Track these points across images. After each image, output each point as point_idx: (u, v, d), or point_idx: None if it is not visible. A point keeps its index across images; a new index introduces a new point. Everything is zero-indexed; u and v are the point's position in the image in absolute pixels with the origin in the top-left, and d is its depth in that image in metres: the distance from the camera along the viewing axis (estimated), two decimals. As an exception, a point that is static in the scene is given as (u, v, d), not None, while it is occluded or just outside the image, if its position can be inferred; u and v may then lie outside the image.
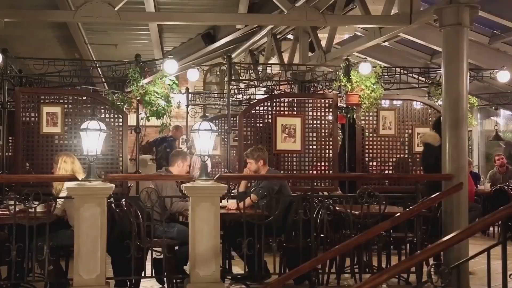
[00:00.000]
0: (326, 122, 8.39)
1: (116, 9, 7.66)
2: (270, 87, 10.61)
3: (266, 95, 10.30)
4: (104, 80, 9.09)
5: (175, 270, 5.96)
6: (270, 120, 8.23)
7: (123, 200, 6.03)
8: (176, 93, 8.39)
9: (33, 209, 5.22)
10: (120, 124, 7.81)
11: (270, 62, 12.48)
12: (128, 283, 5.81)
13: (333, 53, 10.84)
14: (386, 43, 11.99)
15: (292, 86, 10.00)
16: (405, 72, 9.29)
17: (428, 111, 8.70)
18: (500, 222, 4.06)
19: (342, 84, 8.10)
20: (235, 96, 11.14)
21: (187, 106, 11.74)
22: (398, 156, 8.54)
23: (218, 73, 15.14)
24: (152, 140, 13.08)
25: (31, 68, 8.22)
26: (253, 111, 8.34)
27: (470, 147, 13.55)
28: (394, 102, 8.74)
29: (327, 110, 8.38)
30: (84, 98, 7.90)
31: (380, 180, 8.20)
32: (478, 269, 6.33)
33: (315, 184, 7.50)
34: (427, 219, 6.39)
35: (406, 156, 8.59)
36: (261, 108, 8.32)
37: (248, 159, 6.63)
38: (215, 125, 6.97)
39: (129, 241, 5.50)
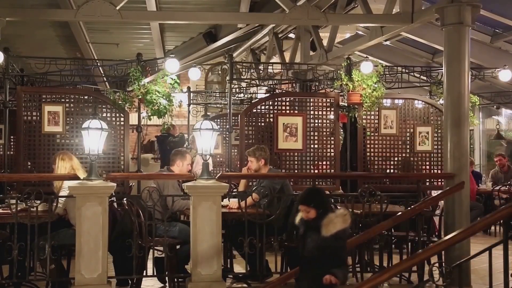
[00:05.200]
0: (328, 121, 8.38)
1: (117, 8, 7.66)
2: (272, 86, 10.59)
3: (267, 94, 10.29)
4: (105, 79, 9.11)
5: (176, 269, 5.95)
6: (271, 119, 8.22)
7: (125, 199, 6.03)
8: (177, 92, 8.38)
9: (35, 208, 5.23)
10: (122, 123, 7.81)
11: (271, 61, 12.48)
12: (130, 282, 5.81)
13: (334, 52, 10.84)
14: (387, 42, 11.99)
15: (294, 85, 9.99)
16: (407, 71, 9.27)
17: (429, 110, 8.69)
18: (501, 221, 4.06)
19: (344, 83, 8.09)
20: (236, 95, 11.13)
21: (189, 105, 11.74)
22: (402, 155, 8.50)
23: (220, 72, 15.15)
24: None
25: (32, 67, 8.23)
26: (254, 110, 8.33)
27: (471, 146, 13.55)
28: (396, 101, 8.73)
29: (328, 109, 8.37)
30: (86, 97, 7.89)
31: (381, 179, 8.19)
32: (480, 268, 6.32)
33: (316, 183, 7.51)
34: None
35: (409, 155, 8.58)
36: (263, 107, 8.31)
37: (249, 157, 6.61)
38: (217, 124, 6.96)
39: (130, 240, 5.50)
